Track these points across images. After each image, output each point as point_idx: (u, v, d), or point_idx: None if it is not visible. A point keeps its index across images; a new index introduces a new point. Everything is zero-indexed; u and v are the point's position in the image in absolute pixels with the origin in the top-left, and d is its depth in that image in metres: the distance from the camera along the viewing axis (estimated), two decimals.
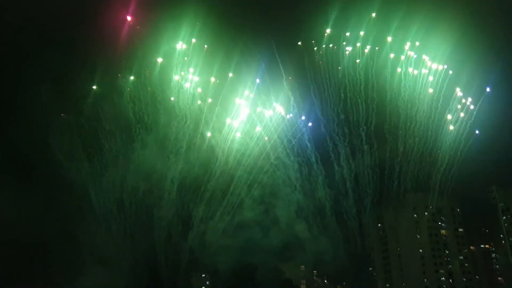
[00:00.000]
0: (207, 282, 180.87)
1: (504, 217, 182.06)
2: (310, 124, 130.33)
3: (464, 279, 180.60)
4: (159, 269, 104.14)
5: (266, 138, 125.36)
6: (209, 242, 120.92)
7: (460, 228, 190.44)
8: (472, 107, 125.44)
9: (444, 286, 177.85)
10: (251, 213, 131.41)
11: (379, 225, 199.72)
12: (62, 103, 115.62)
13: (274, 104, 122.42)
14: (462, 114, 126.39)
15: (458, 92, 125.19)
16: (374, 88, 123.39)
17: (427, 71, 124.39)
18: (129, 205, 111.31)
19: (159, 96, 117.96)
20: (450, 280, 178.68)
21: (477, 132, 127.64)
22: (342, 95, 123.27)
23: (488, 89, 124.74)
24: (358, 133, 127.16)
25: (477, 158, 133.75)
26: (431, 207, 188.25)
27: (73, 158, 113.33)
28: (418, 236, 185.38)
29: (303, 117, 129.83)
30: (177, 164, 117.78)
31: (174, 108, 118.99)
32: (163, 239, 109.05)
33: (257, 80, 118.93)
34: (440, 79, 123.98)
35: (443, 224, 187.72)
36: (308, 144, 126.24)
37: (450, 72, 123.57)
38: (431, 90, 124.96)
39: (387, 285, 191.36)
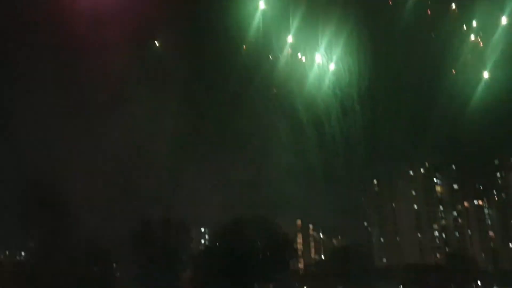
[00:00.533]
0: (206, 236, 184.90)
1: (499, 174, 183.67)
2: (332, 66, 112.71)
3: (457, 234, 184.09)
4: (152, 222, 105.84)
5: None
6: (202, 197, 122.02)
7: (455, 184, 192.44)
8: (481, 44, 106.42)
9: (437, 240, 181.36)
10: (246, 168, 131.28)
11: (375, 181, 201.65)
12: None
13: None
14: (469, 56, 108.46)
15: (464, 28, 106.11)
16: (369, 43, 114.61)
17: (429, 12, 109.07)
18: (117, 158, 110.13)
19: None
20: (443, 234, 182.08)
21: (485, 75, 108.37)
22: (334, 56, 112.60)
23: (504, 20, 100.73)
24: (350, 92, 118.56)
25: (476, 111, 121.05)
26: (426, 163, 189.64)
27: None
28: (413, 192, 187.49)
29: (318, 59, 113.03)
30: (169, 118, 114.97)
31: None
32: (153, 193, 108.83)
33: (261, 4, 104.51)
34: (445, 18, 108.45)
35: (438, 180, 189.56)
36: (300, 108, 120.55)
37: (456, 10, 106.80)
38: (432, 34, 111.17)
39: (381, 239, 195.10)
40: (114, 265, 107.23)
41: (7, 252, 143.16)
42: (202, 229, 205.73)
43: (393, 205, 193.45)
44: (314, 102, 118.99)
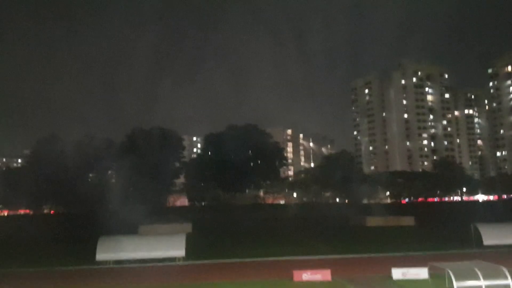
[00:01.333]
0: (199, 145, 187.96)
1: (491, 83, 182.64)
2: None
3: (445, 142, 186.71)
4: (144, 131, 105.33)
5: None
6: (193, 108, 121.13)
7: (447, 93, 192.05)
8: None
9: (426, 149, 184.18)
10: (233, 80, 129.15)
11: (367, 90, 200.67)
12: None
13: None
14: None
15: None
16: None
17: None
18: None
19: None
20: (432, 143, 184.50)
21: None
22: None
23: None
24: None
25: (473, 18, 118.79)
26: (419, 72, 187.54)
27: None
28: (404, 102, 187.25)
29: None
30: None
31: None
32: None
33: None
34: None
35: (430, 90, 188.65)
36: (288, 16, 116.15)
37: None
38: None
39: (371, 148, 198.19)
40: (109, 172, 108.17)
41: None
42: (194, 138, 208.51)
43: (384, 114, 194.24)
44: None
